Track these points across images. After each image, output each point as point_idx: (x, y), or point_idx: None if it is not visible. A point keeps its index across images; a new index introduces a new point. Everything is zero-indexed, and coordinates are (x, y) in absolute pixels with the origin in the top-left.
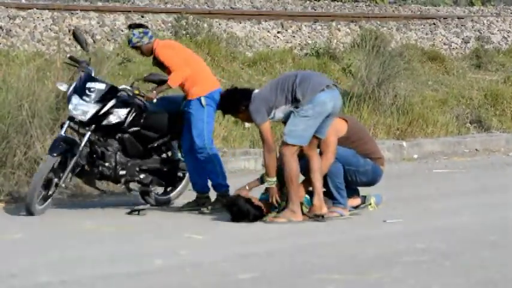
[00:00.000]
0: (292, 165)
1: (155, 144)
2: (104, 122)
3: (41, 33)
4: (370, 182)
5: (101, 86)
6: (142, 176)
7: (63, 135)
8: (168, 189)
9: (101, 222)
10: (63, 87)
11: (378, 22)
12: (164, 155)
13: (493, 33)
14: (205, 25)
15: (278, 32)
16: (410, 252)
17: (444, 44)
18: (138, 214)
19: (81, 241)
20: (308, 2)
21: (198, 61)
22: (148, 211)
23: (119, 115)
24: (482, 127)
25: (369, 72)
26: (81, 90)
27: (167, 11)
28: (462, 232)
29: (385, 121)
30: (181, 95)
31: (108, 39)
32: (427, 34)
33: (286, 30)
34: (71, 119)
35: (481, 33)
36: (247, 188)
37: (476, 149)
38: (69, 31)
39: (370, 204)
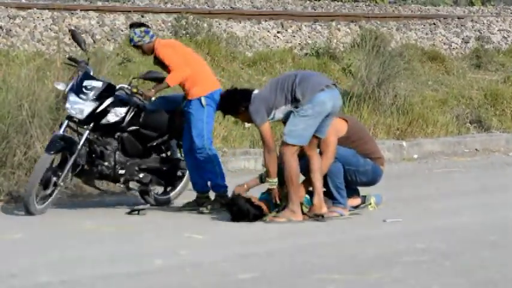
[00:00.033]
0: (292, 165)
1: (154, 144)
2: (103, 121)
3: (41, 33)
4: (370, 182)
5: (98, 84)
6: (141, 175)
7: (61, 133)
8: (168, 188)
9: (101, 222)
10: (61, 86)
11: (378, 22)
12: (163, 155)
13: (493, 33)
14: (205, 25)
15: (278, 32)
16: (410, 252)
17: (444, 44)
18: (138, 214)
19: (81, 241)
20: (308, 2)
21: (199, 61)
22: (148, 211)
23: (117, 114)
24: (482, 127)
25: (368, 72)
26: (78, 89)
27: (167, 10)
28: (462, 232)
29: (385, 121)
30: (180, 94)
31: (108, 39)
32: (427, 34)
33: (286, 30)
34: (70, 118)
35: (481, 33)
36: (245, 186)
37: (476, 149)
38: (69, 31)
39: (370, 204)
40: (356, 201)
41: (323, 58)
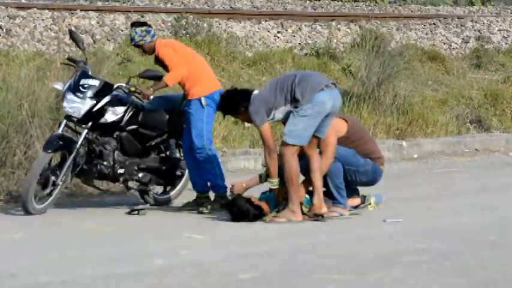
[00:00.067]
0: (292, 165)
1: (153, 143)
2: (101, 121)
3: (40, 33)
4: (370, 182)
5: (95, 83)
6: (140, 174)
7: (59, 133)
8: (167, 188)
9: (101, 222)
10: (59, 86)
11: (378, 22)
12: (163, 154)
13: (493, 33)
14: (205, 25)
15: (278, 32)
16: (410, 252)
17: (444, 43)
18: (138, 214)
19: (81, 241)
20: (308, 1)
21: (199, 61)
22: (148, 211)
23: (116, 113)
24: (482, 127)
25: (368, 72)
26: (75, 88)
27: (167, 10)
28: (462, 232)
29: (385, 121)
30: (179, 94)
31: (108, 39)
32: (427, 34)
33: (286, 30)
34: (68, 117)
35: (481, 33)
36: (244, 185)
37: (476, 149)
38: (68, 31)
39: (370, 204)
40: (356, 201)
41: (323, 58)
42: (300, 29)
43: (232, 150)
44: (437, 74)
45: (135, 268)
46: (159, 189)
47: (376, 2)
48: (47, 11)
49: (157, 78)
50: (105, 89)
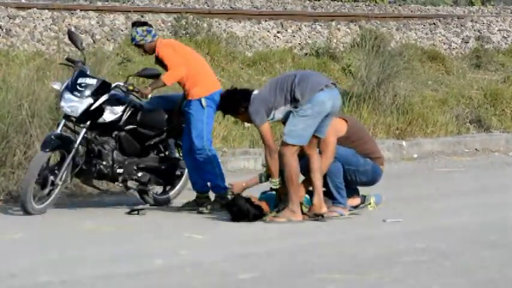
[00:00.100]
0: (292, 165)
1: (152, 142)
2: (100, 120)
3: (40, 33)
4: (370, 182)
5: (92, 81)
6: (140, 174)
7: (57, 132)
8: (167, 188)
9: (101, 222)
10: (57, 86)
11: (378, 22)
12: (162, 154)
13: (492, 33)
14: (205, 25)
15: (278, 32)
16: (410, 252)
17: (444, 43)
18: (138, 214)
19: (81, 241)
20: (308, 1)
21: (200, 61)
22: (148, 211)
23: (114, 113)
24: (482, 127)
25: (368, 72)
26: (72, 87)
27: (167, 10)
28: (462, 232)
29: (384, 121)
30: (179, 94)
31: (107, 39)
32: (426, 34)
33: (286, 30)
34: (67, 117)
35: (480, 33)
36: (243, 185)
37: (476, 149)
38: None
39: (369, 203)
40: (356, 201)
41: (323, 58)
42: (299, 29)
43: (232, 150)
44: (437, 74)
45: (135, 268)
46: (158, 189)
47: (376, 2)
48: (46, 11)
49: (155, 76)
50: (102, 87)
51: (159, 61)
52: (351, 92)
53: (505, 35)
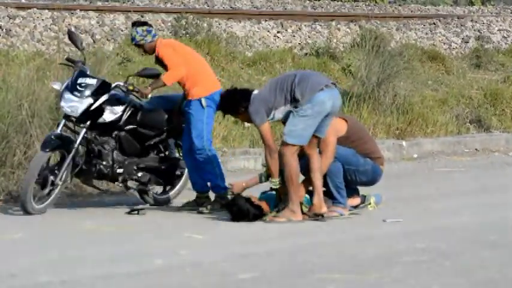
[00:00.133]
0: (292, 164)
1: (152, 142)
2: (100, 120)
3: (40, 33)
4: (370, 182)
5: (92, 81)
6: (140, 174)
7: (57, 132)
8: (167, 188)
9: (101, 222)
10: (56, 86)
11: (378, 22)
12: (162, 154)
13: (492, 33)
14: (205, 25)
15: (278, 32)
16: (410, 252)
17: (444, 43)
18: (138, 214)
19: (81, 241)
20: (308, 1)
21: (200, 61)
22: (148, 211)
23: (114, 113)
24: (482, 127)
25: (368, 71)
26: (72, 87)
27: (167, 10)
28: (462, 232)
29: (384, 121)
30: (179, 94)
31: (107, 39)
32: (426, 34)
33: (286, 30)
34: (67, 117)
35: (480, 32)
36: (243, 184)
37: (476, 149)
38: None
39: (369, 203)
40: (356, 200)
41: (323, 58)
42: (299, 29)
43: (232, 150)
44: (437, 73)
45: (135, 268)
46: (158, 189)
47: (376, 2)
48: (46, 11)
49: (155, 76)
50: (102, 87)
51: (159, 61)
52: (351, 92)
53: (505, 35)
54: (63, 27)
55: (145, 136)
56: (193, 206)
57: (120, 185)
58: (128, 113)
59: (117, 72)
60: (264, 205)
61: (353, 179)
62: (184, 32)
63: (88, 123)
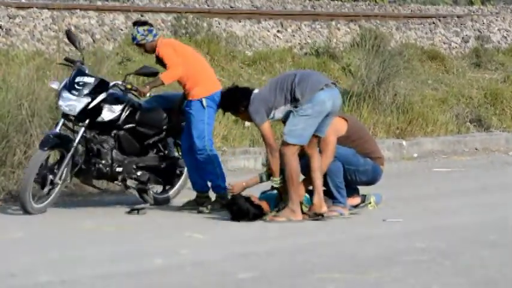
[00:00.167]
0: (293, 164)
1: (151, 141)
2: (99, 119)
3: (40, 33)
4: (370, 181)
5: (90, 80)
6: (139, 173)
7: (56, 131)
8: (167, 187)
9: (101, 222)
10: (55, 85)
11: (378, 21)
12: (161, 153)
13: (492, 32)
14: (205, 24)
15: (278, 31)
16: (410, 251)
17: (444, 43)
18: (138, 213)
19: (81, 241)
20: (308, 1)
21: (200, 61)
22: (148, 210)
23: (113, 111)
24: (482, 126)
25: (368, 71)
26: (70, 85)
27: (167, 10)
28: (462, 232)
29: (384, 120)
30: (178, 93)
31: (107, 39)
32: (426, 33)
33: (286, 30)
34: (65, 116)
35: (480, 32)
36: (244, 184)
37: (476, 148)
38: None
39: (369, 203)
40: (356, 200)
41: (323, 57)
42: (299, 29)
43: (232, 149)
44: (437, 73)
45: (135, 268)
46: (158, 188)
47: (375, 2)
48: (46, 10)
49: (154, 74)
50: (100, 86)
51: (160, 60)
52: (351, 91)
53: (504, 35)
54: (63, 27)
55: (144, 135)
56: (193, 206)
57: (120, 184)
58: (127, 112)
59: (117, 72)
60: (264, 205)
61: (353, 178)
62: (184, 31)
63: (87, 122)
